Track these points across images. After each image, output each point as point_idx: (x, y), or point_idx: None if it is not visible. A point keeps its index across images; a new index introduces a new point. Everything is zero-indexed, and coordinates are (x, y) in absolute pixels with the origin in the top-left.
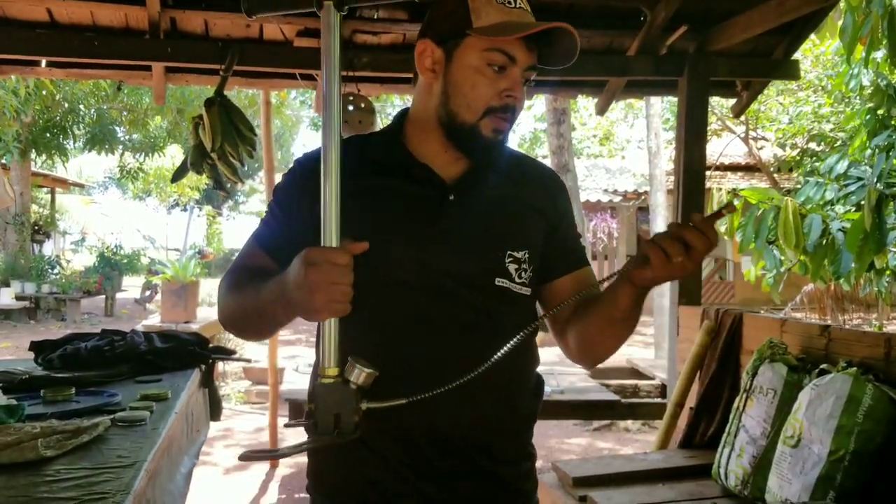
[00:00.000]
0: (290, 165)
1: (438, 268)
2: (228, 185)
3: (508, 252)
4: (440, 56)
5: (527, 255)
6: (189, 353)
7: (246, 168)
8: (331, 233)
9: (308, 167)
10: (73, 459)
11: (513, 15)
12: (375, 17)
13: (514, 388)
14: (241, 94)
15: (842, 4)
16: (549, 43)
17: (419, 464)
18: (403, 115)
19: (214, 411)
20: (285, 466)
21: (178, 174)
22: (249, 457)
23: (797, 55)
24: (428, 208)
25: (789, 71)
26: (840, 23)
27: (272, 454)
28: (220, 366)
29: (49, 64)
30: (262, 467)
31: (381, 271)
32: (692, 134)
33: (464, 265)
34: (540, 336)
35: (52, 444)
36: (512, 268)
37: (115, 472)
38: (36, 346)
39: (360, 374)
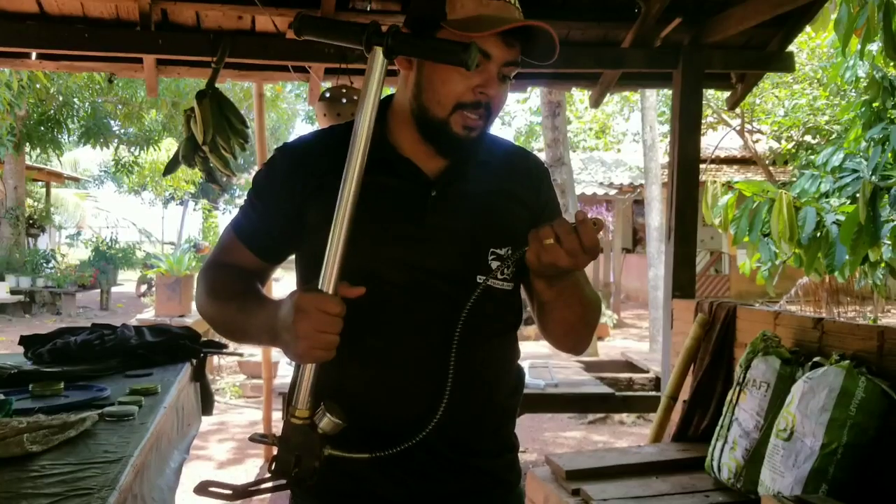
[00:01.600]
0: (273, 153)
1: (422, 266)
2: (222, 179)
3: (491, 249)
4: None
5: (510, 251)
6: (180, 348)
7: (241, 161)
8: (330, 275)
9: (290, 156)
10: (60, 455)
11: (490, 8)
12: (369, 9)
13: (494, 384)
14: (237, 87)
15: None
16: (531, 37)
17: (399, 457)
18: (387, 104)
19: (206, 405)
20: None
21: (170, 167)
22: (206, 491)
23: (792, 47)
24: (411, 205)
25: (784, 63)
26: (835, 15)
27: (231, 492)
28: (216, 360)
29: (39, 56)
30: (256, 461)
31: (364, 270)
32: (686, 127)
33: (447, 263)
34: (532, 329)
35: (38, 440)
36: (495, 264)
37: (101, 468)
38: (26, 341)
39: (328, 423)
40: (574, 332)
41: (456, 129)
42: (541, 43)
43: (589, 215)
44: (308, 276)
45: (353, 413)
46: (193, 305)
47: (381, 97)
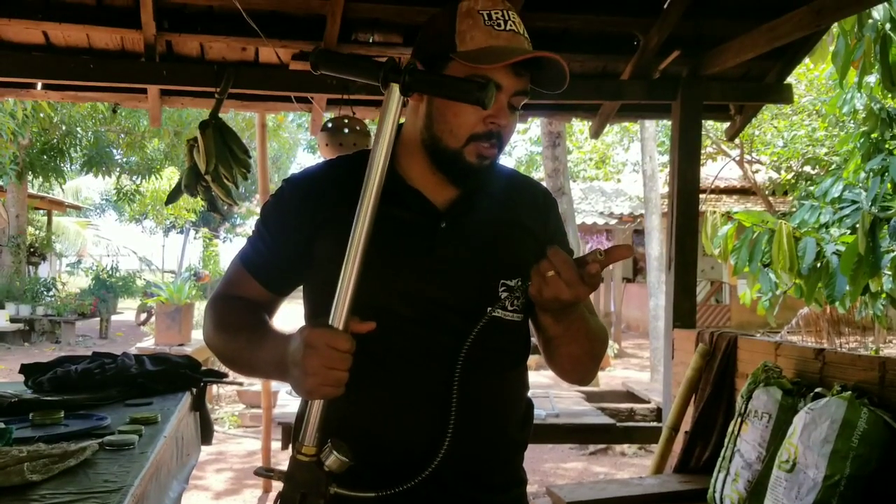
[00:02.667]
0: (280, 185)
1: (432, 298)
2: (223, 208)
3: (502, 281)
4: None
5: (520, 283)
6: (180, 377)
7: (242, 190)
8: (341, 311)
9: (298, 188)
10: (60, 484)
11: (500, 39)
12: (371, 41)
13: (504, 417)
14: (239, 117)
15: (834, 29)
16: (540, 67)
17: (407, 493)
18: (395, 134)
19: (206, 435)
20: (278, 490)
21: (173, 196)
22: None
23: (790, 79)
24: (420, 237)
25: (782, 95)
26: (833, 47)
27: None
28: (214, 389)
29: (45, 86)
30: (254, 491)
31: (374, 302)
32: (686, 157)
33: (457, 295)
34: (535, 359)
35: (38, 469)
36: (504, 296)
37: (101, 497)
38: (26, 369)
39: (335, 461)
40: (581, 366)
41: (470, 158)
42: (550, 72)
43: (588, 246)
44: (316, 307)
45: (359, 447)
46: (193, 334)
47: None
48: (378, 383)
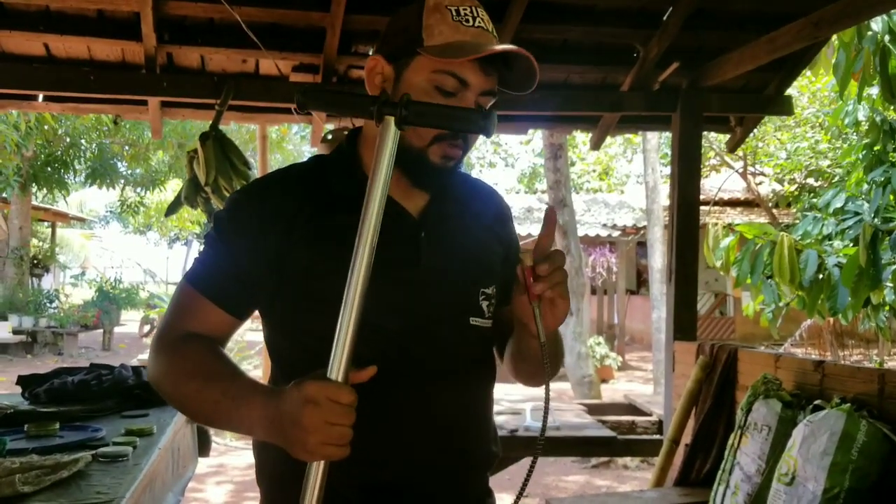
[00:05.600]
0: (231, 196)
1: (420, 310)
2: None
3: (481, 290)
4: (390, 73)
5: (495, 290)
6: None
7: None
8: (340, 361)
9: (254, 198)
10: (51, 495)
11: (468, 35)
12: (370, 52)
13: (485, 426)
14: (243, 129)
15: (834, 41)
16: (509, 67)
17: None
18: (356, 136)
19: (203, 447)
20: None
21: (172, 207)
22: None
23: (793, 91)
24: (405, 248)
25: (782, 107)
26: (833, 59)
27: None
28: None
29: (46, 98)
30: None
31: (363, 319)
32: (686, 169)
33: (441, 306)
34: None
35: (30, 480)
36: (484, 304)
37: None
38: (23, 381)
39: None
40: (537, 376)
41: (434, 158)
42: (519, 72)
43: (591, 258)
44: (284, 329)
45: (344, 462)
46: None
47: (352, 130)
48: (364, 399)
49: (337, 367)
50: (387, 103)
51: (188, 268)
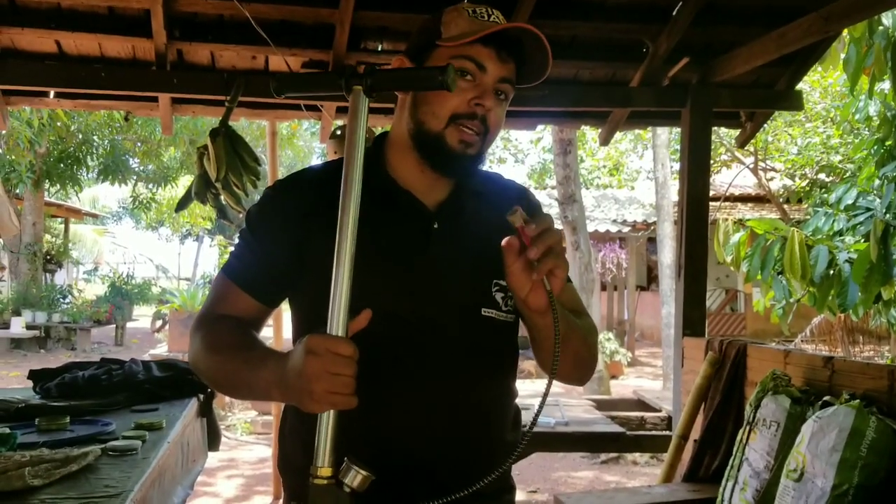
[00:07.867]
0: (264, 191)
1: (427, 300)
2: (234, 215)
3: (495, 281)
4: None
5: None
6: (187, 383)
7: (253, 198)
8: (338, 317)
9: (283, 194)
10: (61, 489)
11: (484, 26)
12: (380, 48)
13: (499, 418)
14: (254, 125)
15: (845, 35)
16: (523, 59)
17: (397, 493)
18: (384, 138)
19: (213, 441)
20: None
21: (182, 203)
22: None
23: (803, 86)
24: (414, 239)
25: (792, 102)
26: (844, 54)
27: None
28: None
29: (57, 95)
30: (264, 498)
31: (370, 306)
32: (696, 164)
33: (452, 297)
34: (532, 365)
35: (39, 473)
36: (498, 296)
37: (101, 502)
38: (34, 375)
39: (355, 477)
40: (581, 361)
41: (451, 141)
42: (532, 64)
43: (601, 254)
44: (309, 317)
45: (360, 455)
46: None
47: (381, 133)
48: (374, 388)
49: (335, 321)
50: (354, 74)
51: (200, 263)
